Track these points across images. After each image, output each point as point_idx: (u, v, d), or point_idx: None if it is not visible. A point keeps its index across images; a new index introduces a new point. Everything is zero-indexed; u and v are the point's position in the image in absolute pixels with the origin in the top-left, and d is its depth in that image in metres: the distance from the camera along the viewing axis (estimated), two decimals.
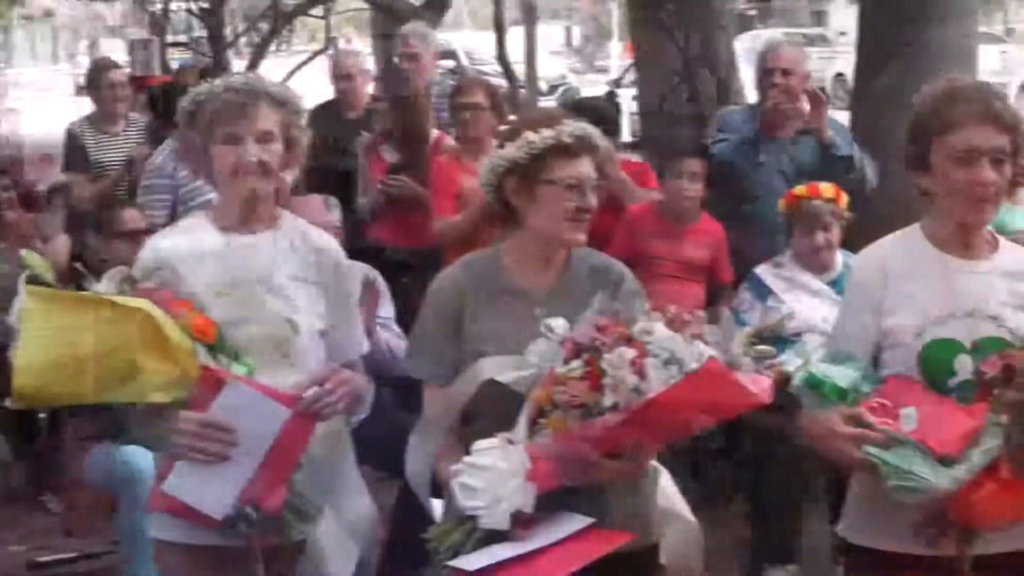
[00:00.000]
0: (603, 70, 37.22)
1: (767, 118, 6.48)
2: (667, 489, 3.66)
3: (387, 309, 5.68)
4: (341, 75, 8.15)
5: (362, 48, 16.04)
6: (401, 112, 6.99)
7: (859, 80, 7.47)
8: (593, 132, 3.53)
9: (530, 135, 3.48)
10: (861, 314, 3.48)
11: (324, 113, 7.92)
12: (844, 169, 6.06)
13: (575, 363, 3.19)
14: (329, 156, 7.11)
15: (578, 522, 3.25)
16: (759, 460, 5.73)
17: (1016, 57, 31.45)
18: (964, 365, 3.33)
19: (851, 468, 3.36)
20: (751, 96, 7.92)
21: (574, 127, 3.50)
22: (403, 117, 6.99)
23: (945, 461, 3.16)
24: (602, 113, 6.32)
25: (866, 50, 7.34)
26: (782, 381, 3.35)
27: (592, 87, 25.50)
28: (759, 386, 3.17)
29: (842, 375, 3.35)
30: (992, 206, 3.39)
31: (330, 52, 16.73)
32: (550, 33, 53.31)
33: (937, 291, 3.40)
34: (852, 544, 3.55)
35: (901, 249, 3.52)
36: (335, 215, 5.54)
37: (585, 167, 3.50)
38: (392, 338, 5.48)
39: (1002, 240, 3.56)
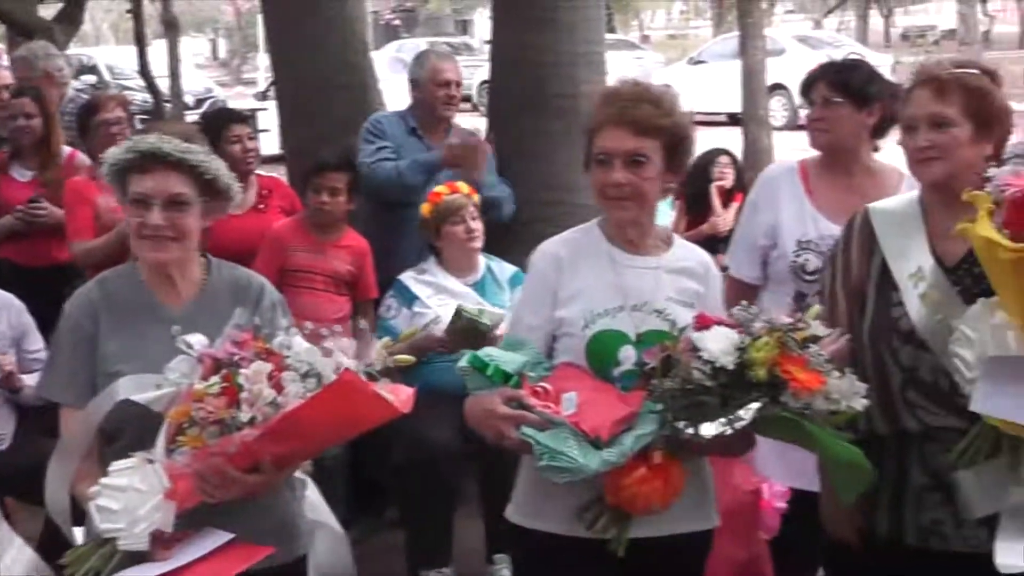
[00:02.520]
0: (250, 83, 36.90)
1: (423, 125, 6.65)
2: (314, 500, 3.66)
3: (33, 340, 5.46)
4: None
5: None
6: (28, 130, 6.77)
7: (494, 87, 7.62)
8: (174, 147, 3.37)
9: (112, 151, 3.41)
10: (537, 303, 3.57)
11: None
12: (484, 207, 6.19)
13: (213, 379, 3.15)
14: None
15: (219, 538, 3.21)
16: (407, 466, 5.78)
17: (650, 62, 32.69)
18: (628, 355, 3.44)
19: (510, 449, 3.40)
20: (390, 105, 7.98)
21: (147, 142, 3.37)
22: (31, 135, 6.77)
23: (598, 443, 3.25)
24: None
25: (500, 58, 7.48)
26: None
27: (239, 100, 25.24)
28: (399, 396, 3.21)
29: (509, 359, 3.43)
30: (633, 205, 3.50)
31: None
32: (196, 46, 52.49)
33: (607, 284, 3.51)
34: (518, 526, 3.61)
35: (578, 242, 3.63)
36: None
37: (150, 183, 3.36)
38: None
39: (676, 238, 3.71)
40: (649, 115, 3.48)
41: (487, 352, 3.45)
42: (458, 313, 5.50)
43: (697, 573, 3.66)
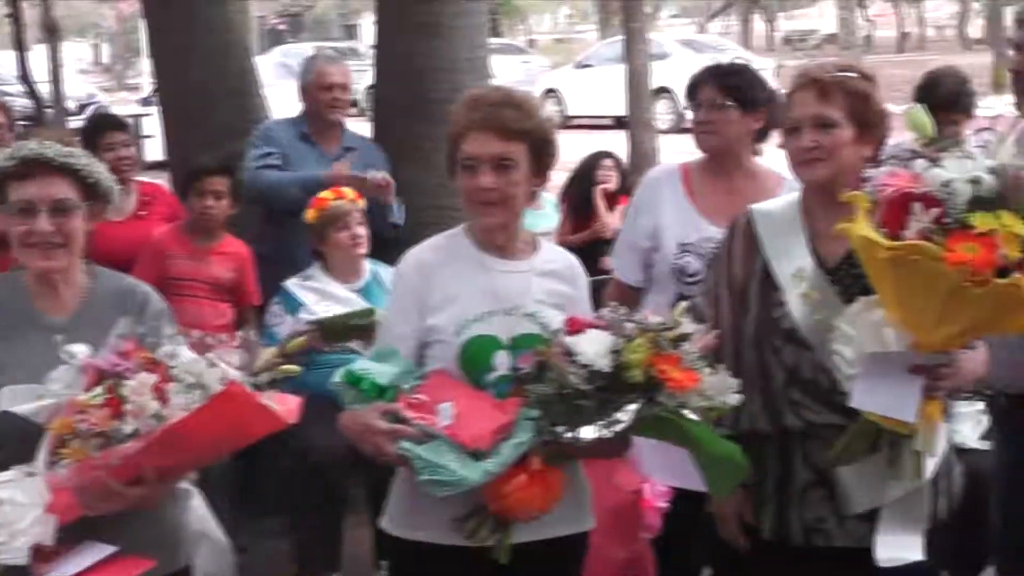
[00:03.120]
0: (134, 88, 36.47)
1: (314, 130, 6.67)
2: (198, 511, 3.63)
3: None
4: None
5: None
6: None
7: (378, 92, 7.62)
8: (56, 151, 3.33)
9: None
10: (405, 312, 3.54)
11: None
12: (384, 229, 6.22)
13: (97, 390, 3.11)
14: None
15: (101, 551, 3.16)
16: (295, 473, 5.77)
17: (537, 66, 32.85)
18: (502, 361, 3.44)
19: (390, 464, 3.39)
20: (276, 110, 7.94)
21: (29, 148, 3.33)
22: None
23: (477, 454, 3.24)
24: None
25: (384, 64, 7.48)
26: None
27: (123, 106, 24.92)
28: (285, 406, 3.19)
29: (382, 372, 3.40)
30: (501, 210, 3.50)
31: None
32: (78, 51, 51.75)
33: (477, 289, 3.50)
34: (394, 536, 3.59)
35: (445, 248, 3.60)
36: None
37: (34, 189, 3.31)
38: None
39: (542, 242, 3.71)
40: (514, 118, 3.48)
41: (361, 366, 3.42)
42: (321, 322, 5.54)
43: (575, 575, 3.68)
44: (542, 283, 3.58)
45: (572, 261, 3.73)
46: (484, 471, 3.23)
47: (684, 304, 3.44)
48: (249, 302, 6.36)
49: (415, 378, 3.44)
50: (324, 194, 5.95)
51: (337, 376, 3.44)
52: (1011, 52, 4.15)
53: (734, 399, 3.28)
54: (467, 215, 3.58)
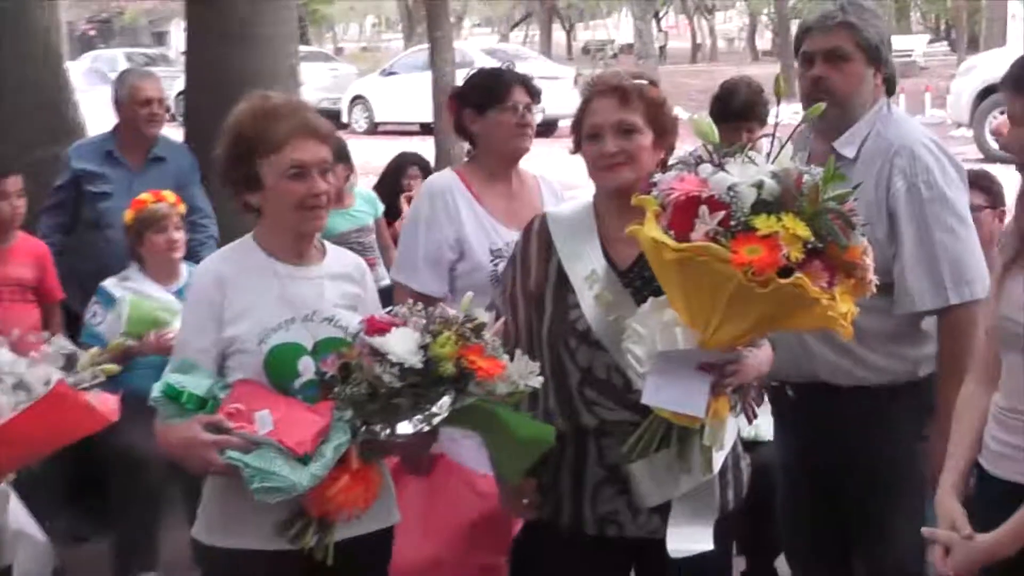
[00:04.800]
0: None
1: (123, 145, 6.62)
2: (16, 510, 3.56)
3: None
4: None
5: None
6: None
7: (190, 101, 7.55)
8: None
9: None
10: (202, 326, 3.45)
11: None
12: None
13: None
14: None
15: None
16: (113, 472, 5.70)
17: (344, 74, 32.71)
18: (308, 366, 3.40)
19: (215, 474, 3.33)
20: (93, 119, 7.83)
21: None
22: None
23: (304, 459, 3.22)
24: None
25: (195, 73, 7.41)
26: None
27: None
28: (106, 406, 3.16)
29: (197, 384, 3.33)
30: (325, 213, 3.49)
31: None
32: None
33: (274, 298, 3.45)
34: (207, 545, 3.52)
35: (238, 259, 3.53)
36: None
37: None
38: None
39: (328, 245, 3.66)
40: (325, 125, 3.52)
41: (175, 379, 3.34)
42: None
43: (383, 569, 3.68)
44: (335, 286, 3.56)
45: (359, 262, 3.72)
46: (311, 475, 3.21)
47: (469, 294, 3.45)
48: (53, 298, 6.26)
49: (220, 388, 3.39)
50: (143, 196, 5.93)
51: (155, 392, 3.35)
52: (797, 65, 4.25)
53: (536, 381, 3.32)
54: (282, 223, 3.49)
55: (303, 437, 3.24)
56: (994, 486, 3.26)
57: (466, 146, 4.61)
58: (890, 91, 4.25)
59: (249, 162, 3.43)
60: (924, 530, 3.30)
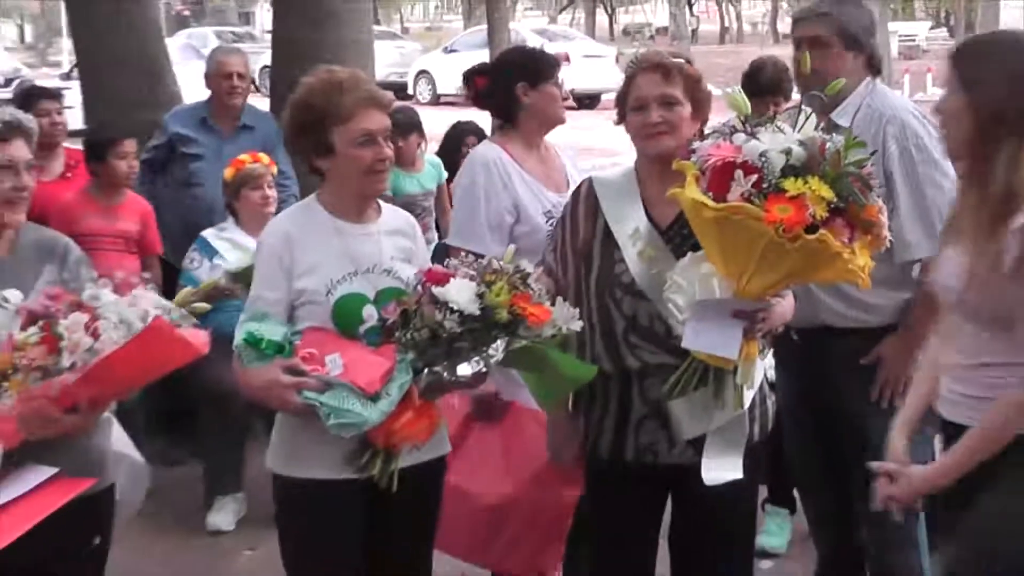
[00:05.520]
0: (55, 64, 35.59)
1: (214, 113, 6.66)
2: (119, 436, 3.58)
3: None
4: None
5: None
6: None
7: (274, 75, 7.56)
8: (25, 117, 3.37)
9: None
10: (274, 279, 3.44)
11: None
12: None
13: (32, 329, 3.06)
14: None
15: (43, 473, 3.12)
16: (202, 403, 5.77)
17: (410, 51, 32.67)
18: (371, 314, 3.38)
19: (293, 412, 3.34)
20: (187, 88, 7.86)
21: (9, 114, 3.33)
22: None
23: (373, 397, 3.23)
24: None
25: (279, 48, 7.42)
26: None
27: (45, 80, 24.34)
28: (198, 340, 3.16)
29: (273, 331, 3.35)
30: (388, 176, 3.51)
31: None
32: (4, 31, 50.35)
33: (338, 254, 3.44)
34: (279, 475, 3.52)
35: (303, 219, 3.53)
36: None
37: (12, 150, 3.30)
38: None
39: (383, 204, 3.64)
40: (387, 96, 3.51)
41: (254, 327, 3.35)
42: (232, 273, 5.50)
43: (437, 494, 3.67)
44: (391, 241, 3.55)
45: (410, 218, 3.71)
46: (381, 411, 3.23)
47: (512, 247, 3.49)
48: (153, 251, 6.32)
49: (292, 335, 3.39)
50: (243, 156, 5.99)
51: (236, 339, 3.37)
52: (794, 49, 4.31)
53: (576, 325, 3.36)
54: (348, 186, 3.48)
55: (372, 377, 3.25)
56: (947, 429, 3.23)
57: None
58: (877, 71, 4.32)
59: (319, 131, 3.42)
60: (871, 463, 3.29)
